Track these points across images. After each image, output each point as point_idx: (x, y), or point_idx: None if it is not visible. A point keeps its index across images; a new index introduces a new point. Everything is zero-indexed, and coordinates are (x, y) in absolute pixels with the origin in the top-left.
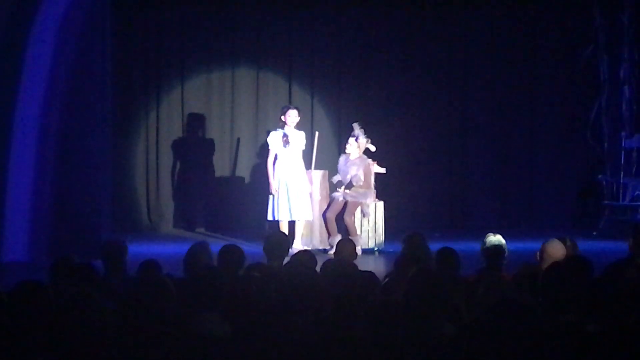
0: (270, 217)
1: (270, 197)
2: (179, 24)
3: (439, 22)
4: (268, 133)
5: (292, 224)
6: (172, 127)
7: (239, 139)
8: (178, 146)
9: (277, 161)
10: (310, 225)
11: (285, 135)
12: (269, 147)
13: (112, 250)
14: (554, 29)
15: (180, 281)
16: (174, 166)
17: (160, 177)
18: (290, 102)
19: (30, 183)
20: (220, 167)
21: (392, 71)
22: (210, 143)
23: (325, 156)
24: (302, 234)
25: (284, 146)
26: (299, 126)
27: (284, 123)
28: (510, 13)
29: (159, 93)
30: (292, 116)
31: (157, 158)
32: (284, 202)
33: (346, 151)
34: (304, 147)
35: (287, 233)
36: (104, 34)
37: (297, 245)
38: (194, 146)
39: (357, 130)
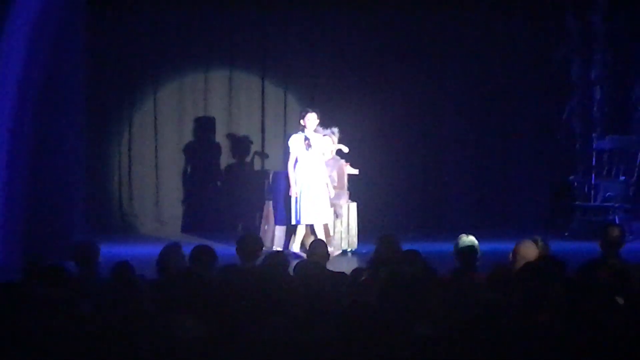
0: (293, 222)
1: (292, 200)
2: (153, 27)
3: (412, 24)
4: (289, 136)
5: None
6: (145, 129)
7: (214, 141)
8: (151, 148)
9: (298, 164)
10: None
11: (307, 139)
12: (290, 151)
13: (84, 252)
14: (527, 30)
15: (153, 282)
16: (147, 167)
17: (134, 179)
18: (263, 103)
19: (3, 184)
20: (194, 168)
21: (366, 73)
22: (183, 145)
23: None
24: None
25: (306, 149)
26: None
27: (304, 126)
28: (483, 15)
29: (132, 95)
30: (312, 119)
31: (130, 159)
32: (305, 205)
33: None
34: (325, 151)
35: (316, 236)
36: (78, 35)
37: (330, 249)
38: (167, 148)
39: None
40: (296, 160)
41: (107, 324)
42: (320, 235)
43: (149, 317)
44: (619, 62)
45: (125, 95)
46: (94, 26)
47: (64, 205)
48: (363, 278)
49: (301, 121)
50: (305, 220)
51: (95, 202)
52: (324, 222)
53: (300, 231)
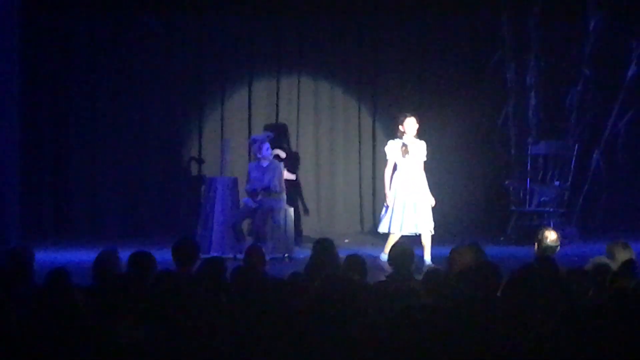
0: (385, 230)
1: (385, 208)
2: (89, 27)
3: (349, 26)
4: (386, 143)
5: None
6: (81, 132)
7: (151, 146)
8: (88, 152)
9: (395, 172)
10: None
11: (404, 145)
12: (387, 157)
13: (18, 258)
14: (462, 35)
15: (89, 289)
16: (83, 171)
17: (70, 183)
18: (201, 107)
19: None
20: (131, 173)
21: (302, 77)
22: (120, 150)
23: (234, 163)
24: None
25: (403, 156)
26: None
27: (403, 132)
28: (419, 18)
29: (67, 97)
30: (411, 124)
31: (66, 163)
32: (398, 214)
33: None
34: (425, 158)
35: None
36: (12, 32)
37: (428, 260)
38: (104, 152)
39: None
40: (395, 168)
41: (42, 331)
42: (427, 244)
43: (84, 324)
44: (553, 67)
45: (60, 98)
46: (29, 29)
47: None
48: (299, 283)
49: (400, 126)
50: (394, 229)
51: (30, 207)
52: (430, 231)
53: (392, 240)
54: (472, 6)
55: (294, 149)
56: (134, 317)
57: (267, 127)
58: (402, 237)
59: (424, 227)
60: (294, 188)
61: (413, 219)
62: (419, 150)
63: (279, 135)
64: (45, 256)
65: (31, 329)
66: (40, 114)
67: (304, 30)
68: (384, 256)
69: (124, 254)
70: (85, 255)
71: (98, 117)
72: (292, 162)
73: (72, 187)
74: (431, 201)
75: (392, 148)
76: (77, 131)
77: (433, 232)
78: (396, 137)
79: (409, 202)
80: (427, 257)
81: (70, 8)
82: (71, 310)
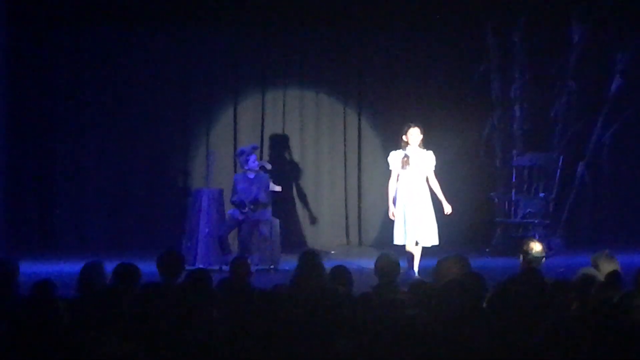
0: (396, 242)
1: (397, 221)
2: (75, 39)
3: (334, 38)
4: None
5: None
6: (66, 143)
7: (137, 158)
8: (73, 163)
9: (397, 183)
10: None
11: (405, 156)
12: (390, 168)
13: (2, 269)
14: (448, 47)
15: (74, 301)
16: (69, 183)
17: (55, 195)
18: (185, 118)
19: None
20: (116, 185)
21: (287, 88)
22: (105, 161)
23: (220, 174)
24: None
25: (403, 167)
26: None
27: (406, 143)
28: (404, 31)
29: (53, 108)
30: (414, 135)
31: (51, 174)
32: (400, 225)
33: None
34: (433, 168)
35: (413, 254)
36: None
37: (416, 270)
38: (90, 163)
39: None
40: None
41: (26, 343)
42: (418, 256)
43: (69, 336)
44: (538, 79)
45: (46, 110)
46: (14, 40)
47: None
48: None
49: (403, 137)
50: (397, 240)
51: (15, 218)
52: (434, 243)
53: (414, 251)
54: (457, 18)
55: (280, 160)
56: (119, 329)
57: (252, 139)
58: (390, 247)
59: (428, 240)
60: (280, 199)
61: (417, 230)
62: (423, 160)
63: (264, 146)
64: (30, 268)
65: (15, 340)
66: (26, 126)
67: (289, 42)
68: (415, 268)
69: (109, 266)
70: (70, 267)
71: (83, 128)
72: (278, 174)
73: (58, 198)
74: (446, 209)
75: (394, 159)
76: (63, 143)
77: (437, 243)
78: (399, 148)
79: (409, 213)
80: (415, 268)
81: (55, 21)
82: (56, 322)
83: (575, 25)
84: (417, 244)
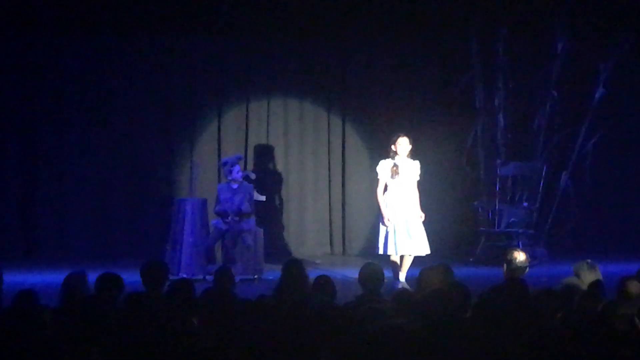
0: (380, 251)
1: (381, 230)
2: (56, 51)
3: (318, 48)
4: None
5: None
6: (49, 154)
7: (120, 167)
8: (56, 173)
9: (386, 192)
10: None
11: (395, 166)
12: (378, 177)
13: None
14: (431, 57)
15: (57, 311)
16: (51, 193)
17: (38, 205)
18: (168, 127)
19: None
20: (99, 194)
21: (271, 98)
22: (88, 171)
23: (204, 184)
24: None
25: (392, 177)
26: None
27: (395, 152)
28: (388, 41)
29: (33, 119)
30: (403, 144)
31: (35, 185)
32: (391, 236)
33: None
34: (418, 178)
35: (399, 265)
36: None
37: (402, 280)
38: (72, 173)
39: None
40: (385, 188)
41: (9, 353)
42: (407, 265)
43: (52, 346)
44: (521, 89)
45: (28, 120)
46: None
47: None
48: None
49: (392, 146)
50: (389, 250)
51: None
52: (426, 252)
53: (404, 262)
54: (441, 28)
55: (264, 170)
56: (102, 339)
57: (237, 149)
58: (374, 257)
59: (419, 249)
60: (264, 209)
61: (407, 240)
62: (411, 170)
63: (249, 156)
64: (14, 278)
65: None
66: (8, 136)
67: (273, 53)
68: (402, 277)
69: (93, 276)
70: (53, 277)
71: (66, 138)
72: (262, 184)
73: (41, 208)
74: (420, 222)
75: (383, 168)
76: (45, 153)
77: (429, 252)
78: (385, 157)
79: (399, 223)
80: (402, 277)
81: (37, 30)
82: (39, 332)
83: (558, 36)
84: (405, 255)
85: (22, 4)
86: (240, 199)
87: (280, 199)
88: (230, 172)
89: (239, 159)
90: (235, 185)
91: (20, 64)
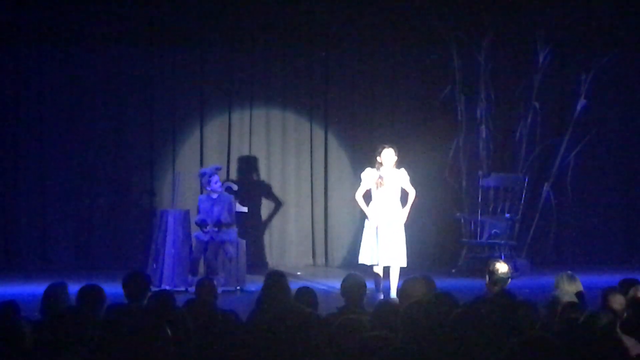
0: (361, 261)
1: (363, 239)
2: (39, 57)
3: (300, 59)
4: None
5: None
6: (30, 164)
7: (102, 179)
8: (37, 183)
9: (370, 202)
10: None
11: (380, 177)
12: (362, 182)
13: None
14: (413, 68)
15: (38, 323)
16: (33, 204)
17: (19, 216)
18: (151, 137)
19: None
20: (81, 206)
21: (253, 109)
22: (70, 183)
23: (186, 195)
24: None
25: (377, 188)
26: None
27: (380, 164)
28: (370, 52)
29: (16, 126)
30: (388, 155)
31: (15, 195)
32: (372, 245)
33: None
34: (408, 184)
35: (381, 276)
36: None
37: (393, 294)
38: (54, 184)
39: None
40: (369, 195)
41: None
42: (394, 278)
43: (32, 358)
44: (503, 100)
45: (9, 129)
46: None
47: None
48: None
49: (377, 157)
50: (371, 260)
51: None
52: (402, 265)
53: (390, 276)
54: (424, 40)
55: (246, 180)
56: (83, 351)
57: (219, 159)
58: (356, 268)
59: (396, 261)
60: (246, 220)
61: (386, 251)
62: (396, 180)
63: (231, 167)
64: None
65: None
66: None
67: (255, 62)
68: (393, 291)
69: (74, 288)
70: (33, 289)
71: (47, 150)
72: (244, 194)
73: (21, 219)
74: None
75: (368, 175)
76: (26, 162)
77: (405, 266)
78: (367, 167)
79: (381, 234)
80: (393, 292)
81: (19, 39)
82: (19, 344)
83: (540, 47)
84: (391, 269)
85: (3, 11)
86: (219, 209)
87: (263, 210)
88: (209, 182)
89: (217, 169)
90: (214, 196)
91: (2, 69)
